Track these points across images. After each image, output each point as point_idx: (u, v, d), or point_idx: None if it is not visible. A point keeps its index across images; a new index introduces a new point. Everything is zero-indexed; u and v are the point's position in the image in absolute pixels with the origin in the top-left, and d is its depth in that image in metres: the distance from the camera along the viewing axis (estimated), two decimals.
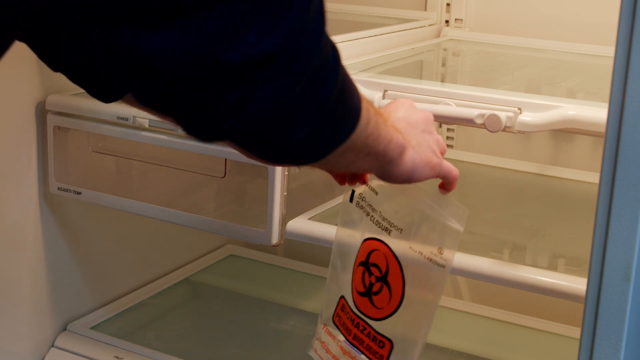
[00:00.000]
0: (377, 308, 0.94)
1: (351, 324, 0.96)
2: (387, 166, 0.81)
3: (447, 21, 1.66)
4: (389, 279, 0.93)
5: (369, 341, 0.94)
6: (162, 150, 1.28)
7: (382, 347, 0.93)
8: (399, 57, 1.42)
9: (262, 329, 1.54)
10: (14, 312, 1.40)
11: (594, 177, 1.36)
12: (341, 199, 0.99)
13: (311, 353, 1.02)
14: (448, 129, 1.69)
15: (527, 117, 1.03)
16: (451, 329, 1.52)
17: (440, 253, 0.89)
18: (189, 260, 1.76)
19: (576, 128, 1.03)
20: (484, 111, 1.03)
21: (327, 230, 1.14)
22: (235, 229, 1.25)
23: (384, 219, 0.93)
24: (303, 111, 0.65)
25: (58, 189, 1.36)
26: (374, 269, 0.94)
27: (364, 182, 0.92)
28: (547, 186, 1.50)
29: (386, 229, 0.92)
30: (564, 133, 1.57)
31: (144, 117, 1.25)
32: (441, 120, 1.07)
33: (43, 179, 1.39)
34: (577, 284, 1.01)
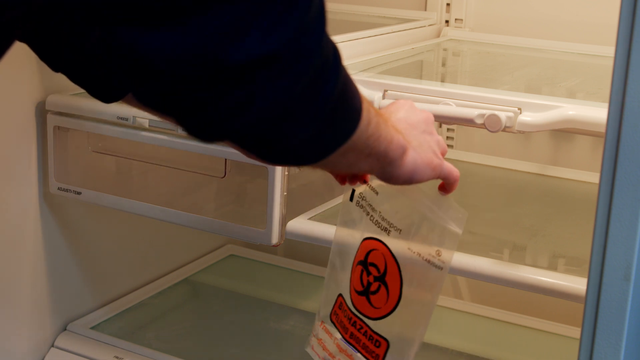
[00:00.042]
0: (375, 307, 0.94)
1: (348, 322, 0.96)
2: (388, 167, 0.81)
3: (447, 21, 1.66)
4: (387, 279, 0.93)
5: (365, 340, 0.95)
6: (162, 150, 1.28)
7: (378, 346, 0.94)
8: (399, 57, 1.42)
9: (262, 329, 1.54)
10: (14, 312, 1.40)
11: (594, 177, 1.36)
12: (341, 199, 0.99)
13: (308, 349, 1.02)
14: (448, 129, 1.69)
15: (527, 117, 1.03)
16: (451, 329, 1.52)
17: (439, 255, 0.89)
18: (189, 260, 1.76)
19: (576, 128, 1.03)
20: (484, 111, 1.03)
21: (327, 230, 1.14)
22: (235, 229, 1.25)
23: (383, 219, 0.93)
24: (303, 111, 0.65)
25: (58, 189, 1.36)
26: (372, 269, 0.94)
27: (364, 181, 0.92)
28: (547, 186, 1.50)
29: (385, 229, 0.93)
30: (564, 133, 1.57)
31: (144, 117, 1.25)
32: (441, 120, 1.07)
33: (43, 179, 1.39)
34: (577, 284, 1.01)
